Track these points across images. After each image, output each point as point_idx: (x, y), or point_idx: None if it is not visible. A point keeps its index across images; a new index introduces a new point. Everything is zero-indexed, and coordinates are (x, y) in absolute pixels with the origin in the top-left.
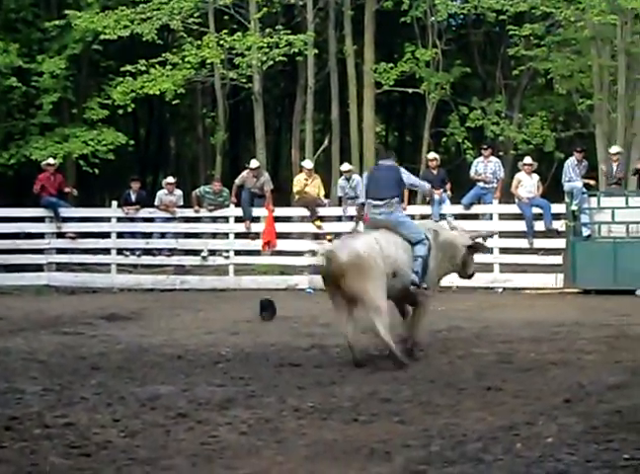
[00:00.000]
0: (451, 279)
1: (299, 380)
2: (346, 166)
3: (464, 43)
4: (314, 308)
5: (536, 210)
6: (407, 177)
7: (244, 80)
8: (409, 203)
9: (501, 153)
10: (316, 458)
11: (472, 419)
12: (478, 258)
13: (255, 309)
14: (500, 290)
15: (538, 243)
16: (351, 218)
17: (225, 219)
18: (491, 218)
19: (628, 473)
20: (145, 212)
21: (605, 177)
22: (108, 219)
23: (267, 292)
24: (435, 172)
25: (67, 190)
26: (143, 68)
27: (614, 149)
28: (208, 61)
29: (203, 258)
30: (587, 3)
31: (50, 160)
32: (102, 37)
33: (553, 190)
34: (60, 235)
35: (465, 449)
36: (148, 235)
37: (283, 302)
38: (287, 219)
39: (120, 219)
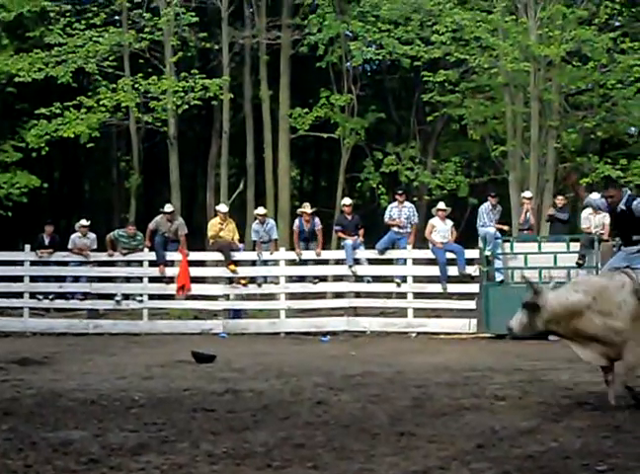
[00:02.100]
0: (364, 324)
1: (213, 425)
2: (260, 210)
3: (379, 89)
4: (228, 353)
5: (450, 255)
6: None
7: (159, 124)
8: (323, 248)
9: (415, 198)
10: None
11: (386, 464)
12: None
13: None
14: (414, 335)
15: (452, 288)
16: (265, 262)
17: (139, 263)
18: (405, 263)
19: None
20: (59, 256)
21: (518, 222)
22: (21, 263)
23: (181, 337)
24: (349, 217)
25: None
26: (58, 111)
27: (527, 194)
28: (123, 105)
29: (117, 302)
30: (500, 50)
31: None
32: (16, 79)
33: (467, 235)
34: None
35: None
36: (62, 279)
37: (197, 347)
38: (202, 263)
39: (33, 263)
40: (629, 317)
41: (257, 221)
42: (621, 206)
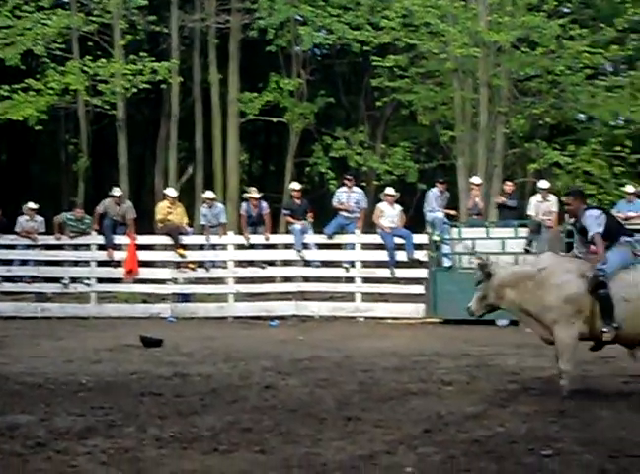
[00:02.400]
0: (313, 309)
1: (160, 409)
2: (209, 194)
3: (328, 74)
4: (176, 337)
5: (398, 240)
6: None
7: (108, 107)
8: (272, 232)
9: (364, 183)
10: None
11: (332, 448)
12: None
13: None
14: (362, 320)
15: (400, 273)
16: (212, 246)
17: (87, 247)
18: (353, 248)
19: None
20: (6, 239)
21: (467, 208)
22: None
23: (129, 321)
24: (298, 202)
25: None
26: (6, 94)
27: (476, 180)
28: (72, 87)
29: (65, 285)
30: (450, 36)
31: None
32: None
33: (415, 220)
34: None
35: None
36: (9, 262)
37: (145, 331)
38: (150, 247)
39: None
40: (564, 296)
41: (205, 205)
42: (580, 224)
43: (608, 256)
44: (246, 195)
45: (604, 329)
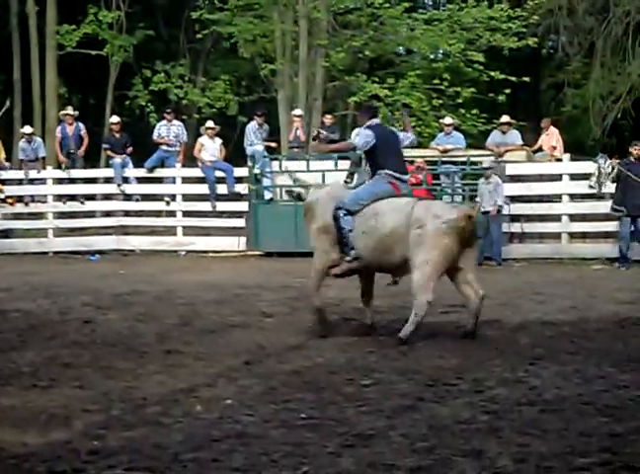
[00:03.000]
0: (134, 243)
1: None
2: (27, 129)
3: (148, 6)
4: None
5: (219, 174)
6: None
7: None
8: (92, 166)
9: (184, 117)
10: None
11: (153, 382)
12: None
13: None
14: (183, 254)
15: (221, 206)
16: (31, 181)
17: None
18: (174, 182)
19: (305, 432)
20: None
21: (288, 140)
22: None
23: None
24: (118, 135)
25: None
26: None
27: (297, 112)
28: None
29: None
30: None
31: None
32: None
33: (236, 153)
34: None
35: (145, 413)
36: None
37: None
38: None
39: None
40: (319, 226)
41: (24, 140)
42: None
43: (358, 189)
44: (61, 113)
45: (346, 258)
